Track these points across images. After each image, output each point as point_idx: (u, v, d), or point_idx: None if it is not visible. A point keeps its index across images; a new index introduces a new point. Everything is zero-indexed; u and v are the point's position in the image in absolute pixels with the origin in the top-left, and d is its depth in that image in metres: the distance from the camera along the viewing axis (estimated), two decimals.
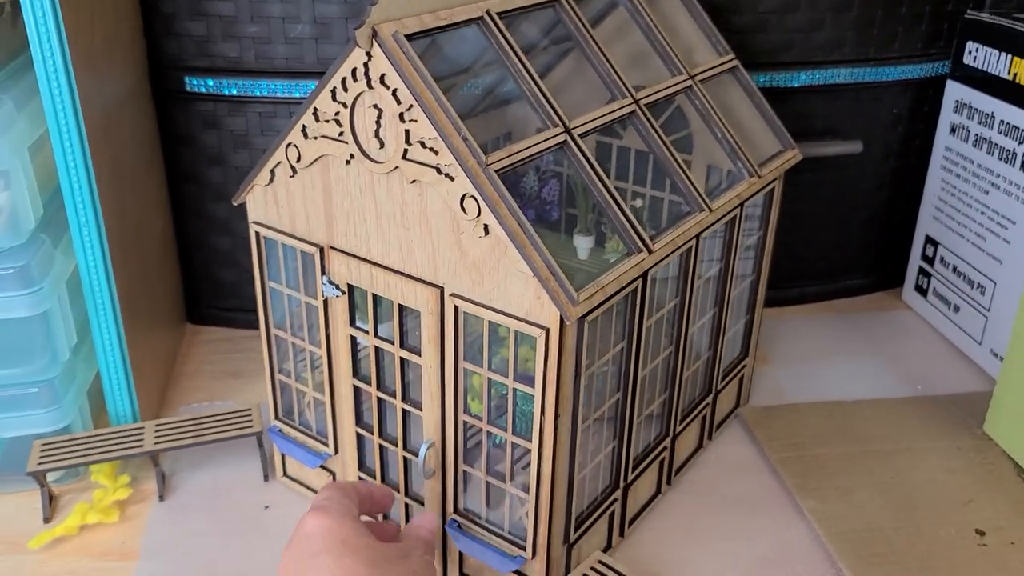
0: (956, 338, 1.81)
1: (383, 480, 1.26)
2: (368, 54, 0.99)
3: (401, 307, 1.11)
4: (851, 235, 1.96)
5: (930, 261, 1.89)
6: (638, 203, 1.61)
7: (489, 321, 1.03)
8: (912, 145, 1.89)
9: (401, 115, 1.00)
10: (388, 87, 1.00)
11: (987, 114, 1.68)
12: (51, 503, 1.35)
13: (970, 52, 1.72)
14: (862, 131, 1.83)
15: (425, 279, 1.08)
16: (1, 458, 1.36)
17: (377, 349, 1.16)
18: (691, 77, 1.32)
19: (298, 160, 1.12)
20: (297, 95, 1.62)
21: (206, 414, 1.41)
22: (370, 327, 1.16)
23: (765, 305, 1.92)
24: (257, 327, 1.32)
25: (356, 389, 1.22)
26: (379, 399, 1.20)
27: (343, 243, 1.14)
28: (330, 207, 1.13)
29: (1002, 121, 1.64)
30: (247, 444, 1.43)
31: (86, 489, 1.39)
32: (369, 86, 1.01)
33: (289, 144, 1.12)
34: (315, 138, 1.09)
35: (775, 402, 1.63)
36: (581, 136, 1.10)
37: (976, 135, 1.71)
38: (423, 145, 1.00)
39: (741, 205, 1.31)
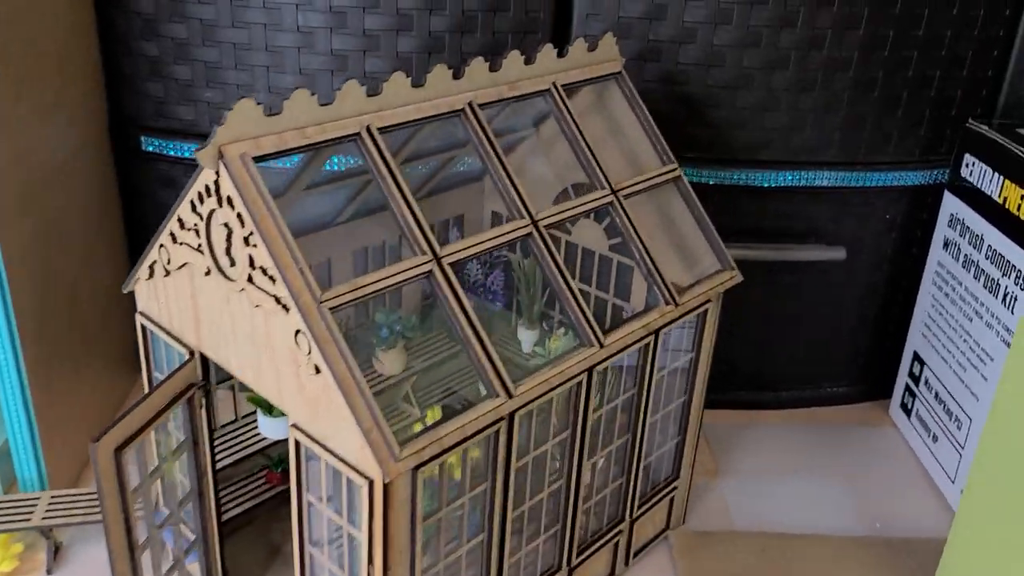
0: (932, 469, 1.67)
1: None
2: (217, 172, 0.95)
3: None
4: (836, 341, 1.83)
5: (916, 380, 1.75)
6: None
7: (325, 461, 0.98)
8: (908, 253, 1.76)
9: (246, 239, 0.96)
10: (234, 208, 0.95)
11: (977, 235, 1.54)
12: None
13: (967, 165, 1.58)
14: (850, 235, 1.71)
15: (276, 402, 1.03)
16: None
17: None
18: (614, 192, 1.24)
19: (168, 262, 1.09)
20: None
21: None
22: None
23: (732, 407, 1.83)
24: None
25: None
26: None
27: (211, 352, 1.10)
28: (198, 313, 1.10)
29: (990, 247, 1.50)
30: None
31: None
32: (219, 204, 0.97)
33: (161, 245, 1.10)
34: (181, 244, 1.06)
35: (712, 525, 1.52)
36: (452, 265, 1.03)
37: (966, 256, 1.58)
38: (264, 272, 0.95)
39: (656, 332, 1.22)
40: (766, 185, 1.63)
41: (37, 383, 1.38)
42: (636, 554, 1.43)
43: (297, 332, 0.94)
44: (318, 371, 0.93)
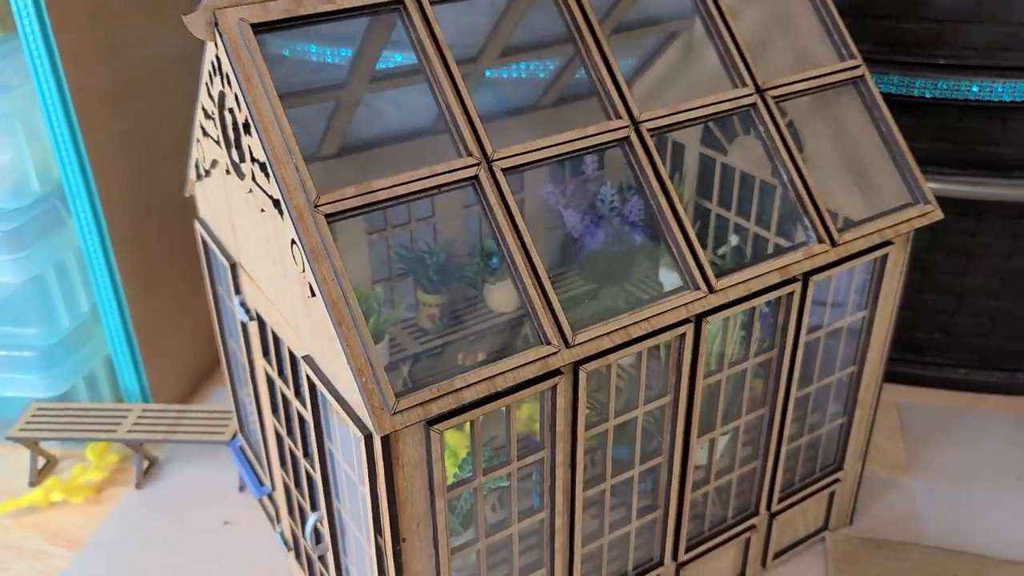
0: None
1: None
2: (216, 45, 0.78)
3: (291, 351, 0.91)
4: None
5: None
6: (733, 241, 1.25)
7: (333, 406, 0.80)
8: None
9: (244, 125, 0.78)
10: (231, 88, 0.78)
11: None
12: (46, 466, 1.34)
13: None
14: None
15: (292, 328, 0.86)
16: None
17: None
18: (759, 91, 0.94)
19: (204, 159, 0.95)
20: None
21: (192, 409, 1.32)
22: (274, 364, 0.97)
23: (944, 387, 1.46)
24: None
25: (276, 429, 1.04)
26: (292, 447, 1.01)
27: (245, 262, 0.96)
28: (233, 219, 0.95)
29: None
30: None
31: (83, 457, 1.36)
32: (222, 84, 0.80)
33: (197, 140, 0.95)
34: (207, 137, 0.91)
35: (888, 533, 1.20)
36: (504, 171, 0.80)
37: None
38: (262, 168, 0.77)
39: (804, 279, 0.93)
40: (1008, 99, 1.23)
41: (133, 291, 1.31)
42: (778, 555, 1.15)
43: (292, 242, 0.75)
44: (313, 293, 0.75)
